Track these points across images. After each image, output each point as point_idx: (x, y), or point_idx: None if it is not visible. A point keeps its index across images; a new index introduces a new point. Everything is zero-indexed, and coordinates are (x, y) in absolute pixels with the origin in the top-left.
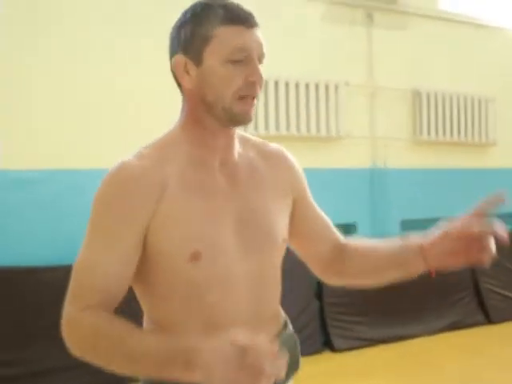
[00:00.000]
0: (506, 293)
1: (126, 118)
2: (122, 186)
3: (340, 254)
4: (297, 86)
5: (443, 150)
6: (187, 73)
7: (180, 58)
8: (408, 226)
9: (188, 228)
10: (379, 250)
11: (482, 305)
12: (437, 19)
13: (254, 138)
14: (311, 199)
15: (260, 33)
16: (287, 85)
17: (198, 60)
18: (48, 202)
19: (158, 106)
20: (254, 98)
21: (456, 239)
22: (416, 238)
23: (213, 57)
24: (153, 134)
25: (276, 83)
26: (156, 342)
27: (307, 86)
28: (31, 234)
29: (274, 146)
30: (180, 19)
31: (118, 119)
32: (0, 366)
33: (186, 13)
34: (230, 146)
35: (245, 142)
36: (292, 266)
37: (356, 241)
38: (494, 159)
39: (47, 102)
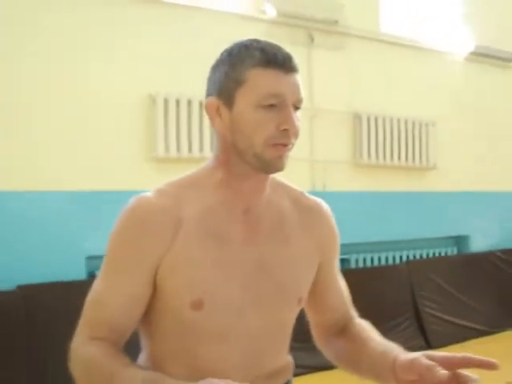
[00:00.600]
0: (446, 317)
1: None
2: (136, 224)
3: (341, 331)
4: None
5: (383, 173)
6: (219, 116)
7: (213, 100)
8: (348, 249)
9: (194, 274)
10: (367, 350)
11: (421, 329)
12: (378, 41)
13: (293, 187)
14: (336, 268)
15: (298, 77)
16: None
17: (230, 104)
18: None
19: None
20: (287, 145)
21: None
22: (394, 352)
23: (244, 101)
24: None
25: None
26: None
27: None
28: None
29: (312, 198)
30: (217, 60)
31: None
32: None
33: (222, 53)
34: (258, 191)
35: (281, 189)
36: None
37: (360, 325)
38: (433, 183)
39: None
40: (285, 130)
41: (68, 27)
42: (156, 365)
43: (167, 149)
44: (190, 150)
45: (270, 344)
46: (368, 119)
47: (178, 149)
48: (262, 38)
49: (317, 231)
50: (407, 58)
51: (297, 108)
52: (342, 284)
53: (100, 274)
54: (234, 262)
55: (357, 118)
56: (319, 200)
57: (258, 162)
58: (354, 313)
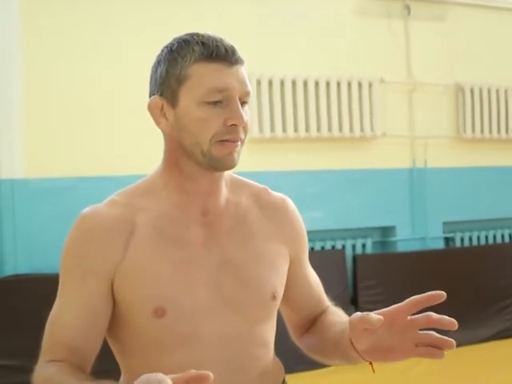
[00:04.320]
0: None
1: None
2: (85, 235)
3: (313, 325)
4: (328, 84)
5: (488, 147)
6: (164, 116)
7: (156, 99)
8: (451, 228)
9: (153, 282)
10: (331, 335)
11: None
12: (478, 7)
13: (253, 184)
14: (306, 262)
15: (244, 70)
16: (317, 84)
17: (173, 102)
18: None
19: None
20: (236, 141)
21: (383, 331)
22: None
23: (188, 98)
24: None
25: (305, 82)
26: None
27: (339, 84)
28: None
29: (276, 195)
30: (157, 57)
31: (140, 126)
32: None
33: (162, 50)
34: (214, 191)
35: (240, 187)
36: None
37: (327, 315)
38: None
39: (68, 109)
40: (232, 125)
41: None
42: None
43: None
44: (284, 129)
45: (249, 346)
46: (472, 91)
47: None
48: (357, 12)
49: (282, 226)
50: (510, 23)
51: (244, 102)
52: (314, 278)
53: (58, 293)
54: (197, 264)
55: (459, 90)
56: (283, 196)
57: (206, 160)
58: (327, 303)
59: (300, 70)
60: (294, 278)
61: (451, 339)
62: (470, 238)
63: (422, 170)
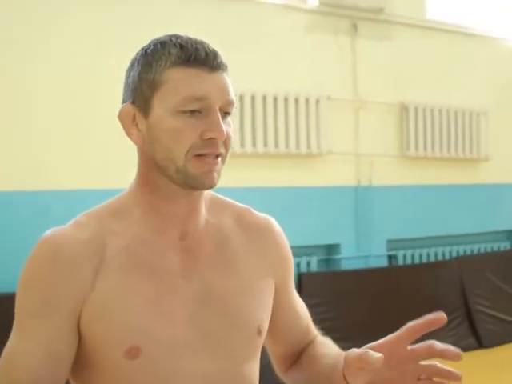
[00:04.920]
0: (499, 315)
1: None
2: (48, 262)
3: (299, 357)
4: (275, 100)
5: (432, 165)
6: (136, 126)
7: (128, 107)
8: (395, 245)
9: (125, 317)
10: (321, 368)
11: (473, 328)
12: (424, 29)
13: (235, 204)
14: (292, 288)
15: (227, 76)
16: (264, 99)
17: (146, 111)
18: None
19: None
20: (216, 156)
21: (382, 366)
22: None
23: (162, 107)
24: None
25: (252, 98)
26: None
27: (286, 100)
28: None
29: (259, 216)
30: (131, 60)
31: (79, 136)
32: None
33: (137, 53)
34: (192, 212)
35: (221, 208)
36: None
37: (316, 346)
38: (485, 175)
39: (16, 122)
40: (210, 138)
41: (79, 26)
42: None
43: None
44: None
45: None
46: (416, 110)
47: None
48: (305, 28)
49: (267, 251)
50: (456, 45)
51: (226, 113)
52: (301, 306)
53: (13, 328)
54: (173, 296)
55: (404, 109)
56: (267, 216)
57: (182, 177)
58: (314, 333)
59: (247, 85)
60: (279, 307)
61: (457, 371)
62: (413, 256)
63: (367, 188)
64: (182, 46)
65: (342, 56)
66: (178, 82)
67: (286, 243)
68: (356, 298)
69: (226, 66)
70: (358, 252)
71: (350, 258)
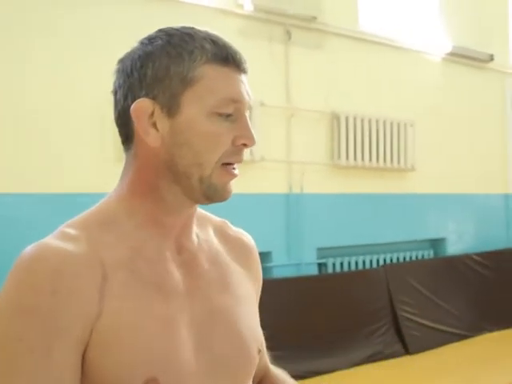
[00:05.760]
0: (424, 321)
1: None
2: (47, 285)
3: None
4: None
5: (361, 175)
6: (153, 125)
7: (146, 102)
8: (324, 253)
9: (139, 343)
10: None
11: (399, 334)
12: (356, 40)
13: (212, 216)
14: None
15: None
16: None
17: (172, 108)
18: None
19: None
20: (236, 165)
21: None
22: None
23: (195, 107)
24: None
25: None
26: None
27: None
28: None
29: (237, 230)
30: (143, 49)
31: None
32: None
33: (152, 41)
34: (188, 226)
35: (203, 220)
36: None
37: (275, 378)
38: (411, 185)
39: None
40: (243, 144)
41: (57, 27)
42: None
43: None
44: None
45: None
46: (346, 119)
47: None
48: (239, 33)
49: (251, 268)
50: (386, 57)
51: None
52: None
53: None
54: (181, 316)
55: (335, 118)
56: (244, 231)
57: (204, 187)
58: (266, 359)
59: None
60: None
61: None
62: (342, 264)
63: (299, 195)
64: (214, 42)
65: (276, 63)
66: (216, 81)
67: (259, 258)
68: (288, 306)
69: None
70: (289, 260)
71: (282, 266)
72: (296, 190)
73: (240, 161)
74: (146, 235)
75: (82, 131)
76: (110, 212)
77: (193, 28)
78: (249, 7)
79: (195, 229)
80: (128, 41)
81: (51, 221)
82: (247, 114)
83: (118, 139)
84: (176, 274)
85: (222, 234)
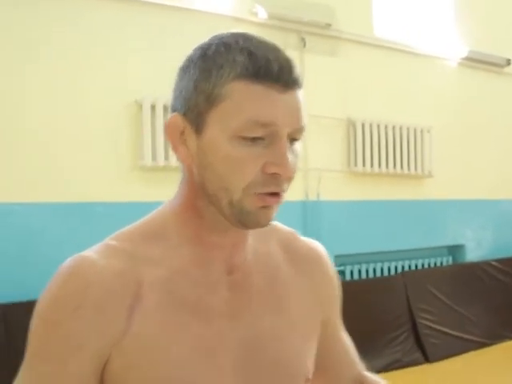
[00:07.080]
0: (444, 329)
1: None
2: (75, 299)
3: None
4: None
5: (378, 181)
6: (184, 142)
7: (177, 118)
8: (342, 260)
9: (168, 368)
10: None
11: (419, 342)
12: (371, 46)
13: (280, 228)
14: (341, 323)
15: (301, 96)
16: None
17: (198, 126)
18: None
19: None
20: (277, 194)
21: None
22: None
23: (218, 126)
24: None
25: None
26: None
27: None
28: None
29: (308, 242)
30: (188, 58)
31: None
32: None
33: (195, 50)
34: (239, 245)
35: (267, 233)
36: None
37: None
38: (428, 191)
39: None
40: (274, 174)
41: (50, 31)
42: None
43: (154, 157)
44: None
45: None
46: (362, 126)
47: (166, 157)
48: None
49: (317, 283)
50: (401, 63)
51: (294, 139)
52: (348, 341)
53: (22, 371)
54: (220, 340)
55: (351, 124)
56: (315, 242)
57: (235, 212)
58: (359, 367)
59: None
60: (327, 343)
61: None
62: (360, 271)
63: (315, 202)
64: (250, 54)
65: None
66: (242, 101)
67: (335, 274)
68: None
69: (301, 84)
70: None
71: None
72: (312, 197)
73: (276, 190)
74: (191, 253)
75: (97, 139)
76: (158, 226)
77: (239, 35)
78: (263, 15)
79: (254, 244)
80: (144, 49)
81: (63, 230)
82: (297, 137)
83: (132, 148)
84: (222, 295)
85: (287, 247)
